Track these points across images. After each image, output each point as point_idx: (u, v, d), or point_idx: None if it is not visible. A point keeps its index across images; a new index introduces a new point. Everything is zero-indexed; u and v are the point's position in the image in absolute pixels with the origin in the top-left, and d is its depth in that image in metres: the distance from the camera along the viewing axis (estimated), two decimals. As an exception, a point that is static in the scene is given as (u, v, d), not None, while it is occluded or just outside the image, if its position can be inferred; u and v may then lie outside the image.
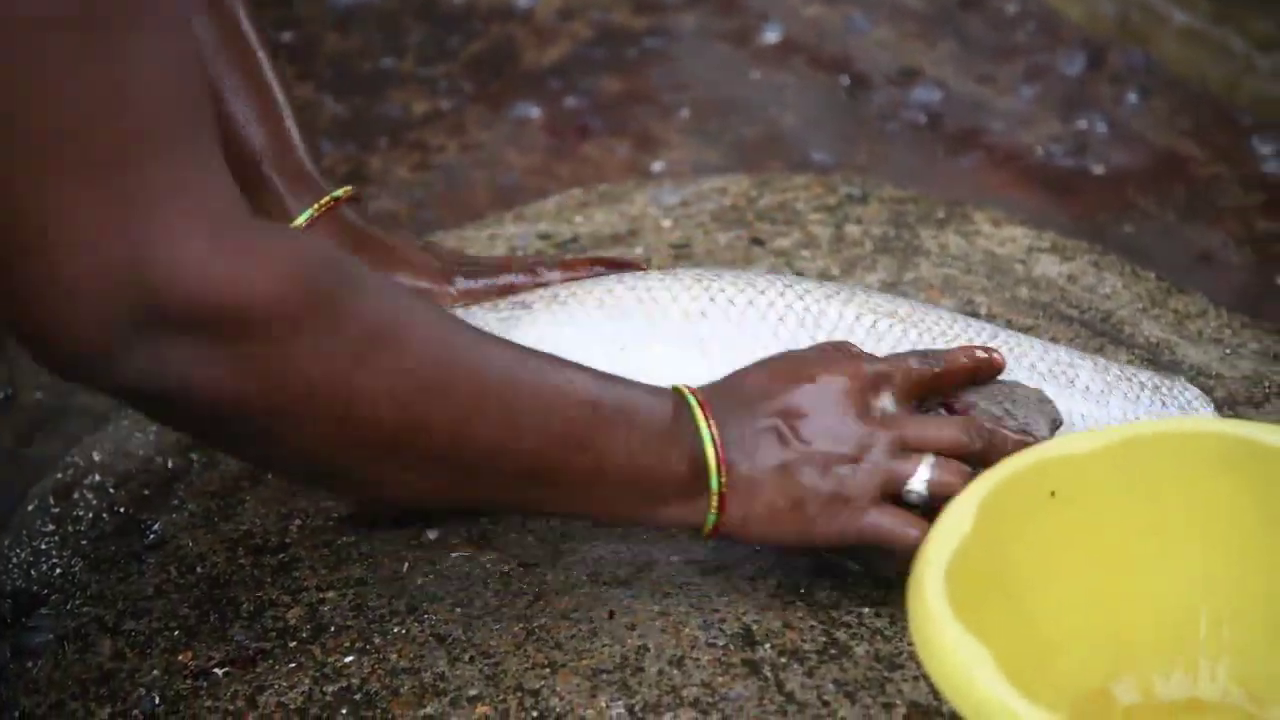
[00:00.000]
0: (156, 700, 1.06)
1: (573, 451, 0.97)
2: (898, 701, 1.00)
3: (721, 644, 1.04)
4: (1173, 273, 1.42)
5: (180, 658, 1.08)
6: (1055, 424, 1.09)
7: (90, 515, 1.20)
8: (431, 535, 1.14)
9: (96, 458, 1.25)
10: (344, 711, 1.02)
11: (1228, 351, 1.30)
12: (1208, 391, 1.24)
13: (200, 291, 0.83)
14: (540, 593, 1.08)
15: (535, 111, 1.93)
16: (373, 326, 0.90)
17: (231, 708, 1.04)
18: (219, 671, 1.06)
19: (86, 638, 1.10)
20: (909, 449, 1.02)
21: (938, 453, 1.03)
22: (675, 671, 1.02)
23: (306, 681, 1.04)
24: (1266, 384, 1.25)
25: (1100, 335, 1.31)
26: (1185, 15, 1.92)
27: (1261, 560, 0.95)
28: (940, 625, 0.86)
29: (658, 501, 1.01)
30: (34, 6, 0.79)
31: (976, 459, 1.03)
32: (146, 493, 1.22)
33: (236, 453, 1.04)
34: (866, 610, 1.06)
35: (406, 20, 2.13)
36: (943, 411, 1.08)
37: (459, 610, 1.08)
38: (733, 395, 1.03)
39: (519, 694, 1.01)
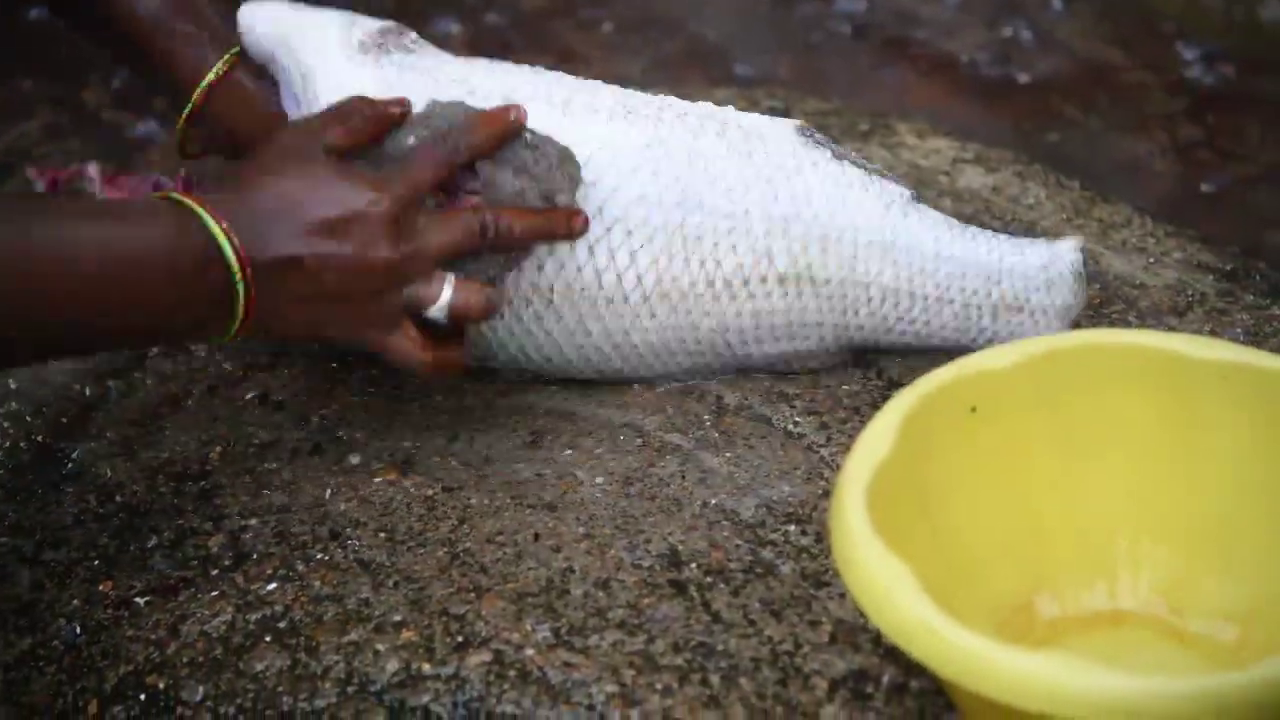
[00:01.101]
0: (77, 630, 1.05)
1: (95, 294, 0.99)
2: (824, 619, 1.00)
3: (647, 565, 1.04)
4: (1097, 182, 1.42)
5: (101, 587, 1.07)
6: (575, 182, 1.11)
7: (7, 444, 1.19)
8: (354, 460, 1.13)
9: (13, 385, 1.23)
10: (267, 639, 1.01)
11: (1151, 261, 1.29)
12: (1131, 303, 1.24)
13: None
14: (464, 516, 1.08)
15: (455, 27, 1.90)
16: None
17: (154, 637, 1.03)
18: (140, 601, 1.05)
19: (5, 569, 1.09)
20: (429, 262, 1.06)
21: (454, 256, 1.07)
22: (601, 594, 1.02)
23: (229, 610, 1.03)
24: (1190, 292, 1.25)
25: (1024, 247, 1.30)
26: (1111, -80, 1.91)
27: (1180, 472, 0.95)
28: (861, 543, 0.86)
29: (193, 304, 1.01)
30: None
31: (494, 247, 1.08)
32: (64, 421, 1.20)
33: None
34: (792, 528, 1.06)
35: (325, -65, 2.10)
36: (463, 196, 1.09)
37: (382, 535, 1.07)
38: (257, 207, 1.04)
39: (444, 619, 1.01)
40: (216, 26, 1.17)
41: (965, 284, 1.16)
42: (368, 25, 1.16)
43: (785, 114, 1.47)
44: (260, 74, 1.17)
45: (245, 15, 1.15)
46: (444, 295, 1.06)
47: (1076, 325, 1.19)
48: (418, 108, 1.10)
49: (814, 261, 1.14)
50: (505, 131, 1.09)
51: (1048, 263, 1.16)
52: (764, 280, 1.13)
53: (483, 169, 1.09)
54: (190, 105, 1.16)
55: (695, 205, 1.12)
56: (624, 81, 1.64)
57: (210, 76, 1.16)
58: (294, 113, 1.15)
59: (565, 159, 1.10)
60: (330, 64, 1.14)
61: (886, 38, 1.86)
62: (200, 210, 1.01)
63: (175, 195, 1.02)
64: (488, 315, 1.08)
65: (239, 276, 1.01)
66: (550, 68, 1.19)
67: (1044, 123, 1.70)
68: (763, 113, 1.47)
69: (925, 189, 1.37)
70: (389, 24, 1.16)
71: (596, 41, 1.90)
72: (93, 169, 1.15)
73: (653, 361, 1.15)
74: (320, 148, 1.06)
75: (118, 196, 1.15)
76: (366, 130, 1.08)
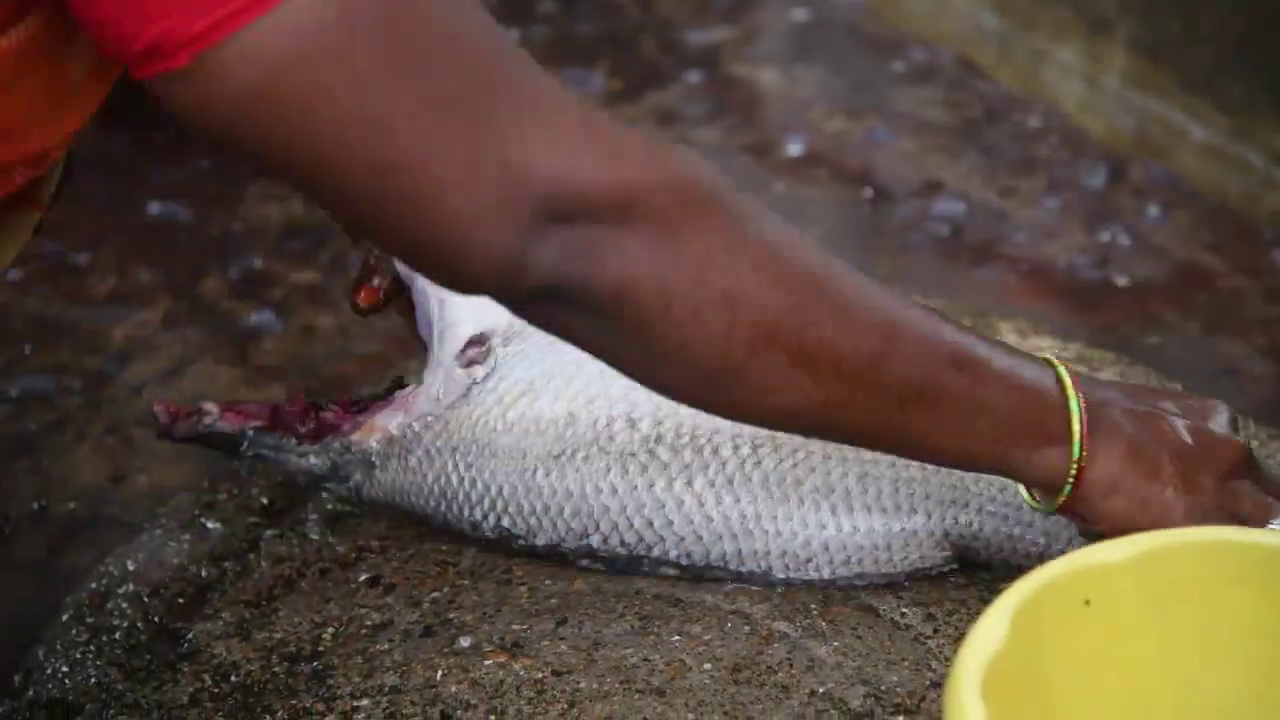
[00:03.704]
0: (191, 809, 1.06)
1: (951, 369, 0.99)
2: (933, 810, 1.00)
3: (755, 752, 1.04)
4: (1198, 384, 1.43)
5: (215, 766, 1.08)
6: None
7: (125, 625, 1.21)
8: (465, 643, 1.14)
9: (130, 567, 1.25)
10: (378, 820, 1.02)
11: (1255, 461, 1.30)
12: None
13: (583, 184, 0.89)
14: (574, 700, 1.09)
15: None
16: (753, 225, 0.94)
17: (266, 816, 1.04)
18: (253, 780, 1.06)
19: (121, 746, 1.11)
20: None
21: None
22: (709, 780, 1.02)
23: (341, 790, 1.04)
24: (1295, 494, 1.25)
25: (1128, 445, 1.31)
26: (1204, 131, 1.93)
27: (1296, 669, 0.95)
28: (976, 734, 0.86)
29: (1027, 436, 1.01)
30: None
31: None
32: (180, 601, 1.22)
33: (631, 358, 0.99)
34: (900, 719, 1.06)
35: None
36: None
37: (492, 718, 1.08)
38: (1103, 384, 1.06)
39: (553, 802, 1.02)
40: None
41: None
42: None
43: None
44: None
45: None
46: None
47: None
48: None
49: None
50: None
51: None
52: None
53: None
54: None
55: None
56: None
57: None
58: (427, 335, 1.20)
59: None
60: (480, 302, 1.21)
61: (984, 238, 1.88)
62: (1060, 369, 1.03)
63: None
64: None
65: (1078, 413, 1.01)
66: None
67: (1143, 326, 1.71)
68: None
69: (1028, 387, 1.38)
70: None
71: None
72: (210, 405, 1.23)
73: (753, 528, 1.16)
74: None
75: (237, 420, 1.21)
76: None
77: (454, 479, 1.20)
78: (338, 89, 0.85)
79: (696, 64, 2.24)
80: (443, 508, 1.21)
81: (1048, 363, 1.04)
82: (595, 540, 1.17)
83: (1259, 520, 1.05)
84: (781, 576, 1.16)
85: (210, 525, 1.29)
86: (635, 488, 1.16)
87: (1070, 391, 1.02)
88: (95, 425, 1.54)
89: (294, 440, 1.24)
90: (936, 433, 1.00)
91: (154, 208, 1.85)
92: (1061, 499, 1.03)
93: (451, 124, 0.87)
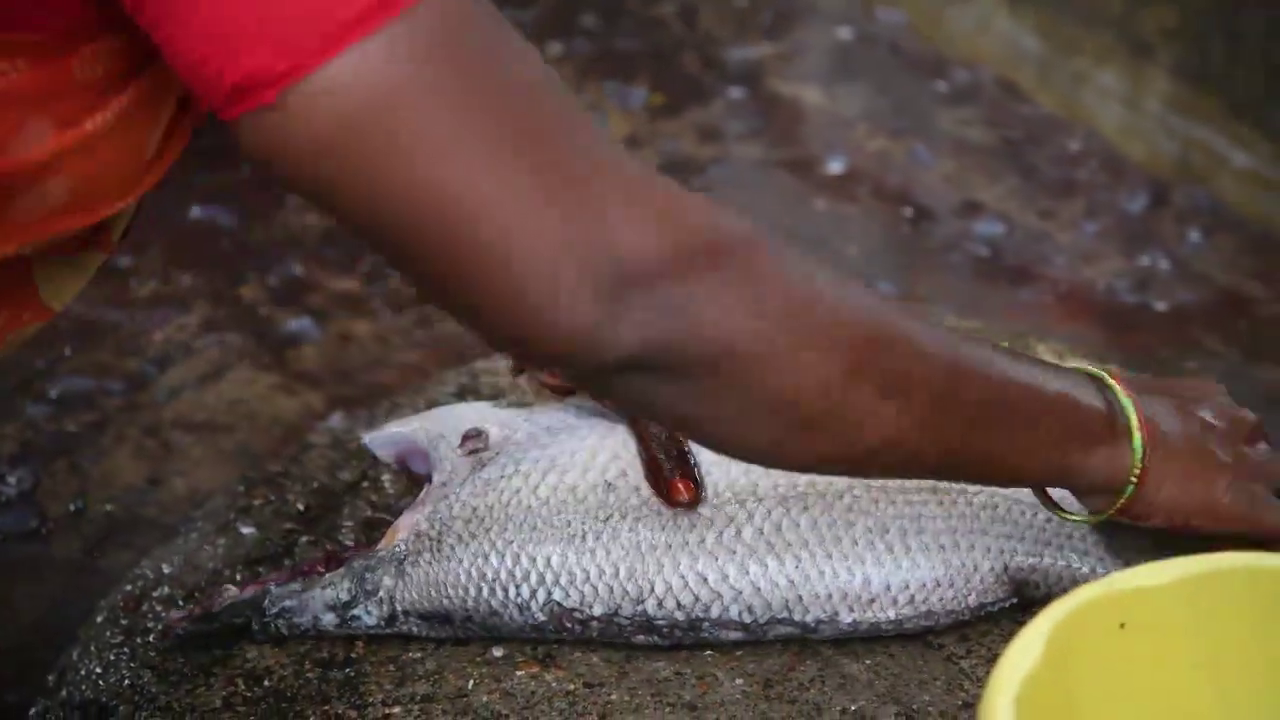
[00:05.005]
0: (221, 812, 1.06)
1: (1011, 384, 1.00)
2: (963, 831, 1.00)
3: (786, 769, 1.04)
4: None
5: (246, 770, 1.08)
6: None
7: (159, 627, 1.21)
8: (497, 653, 1.15)
9: (165, 570, 1.26)
10: (408, 827, 1.02)
11: (1294, 489, 1.29)
12: None
13: (663, 245, 0.88)
14: (605, 713, 1.09)
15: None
16: (815, 267, 0.94)
17: (296, 821, 1.04)
18: (284, 784, 1.07)
19: (153, 748, 1.11)
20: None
21: None
22: (739, 796, 1.02)
23: (371, 796, 1.04)
24: (1333, 522, 1.25)
25: (1166, 470, 1.31)
26: (1245, 157, 1.93)
27: (1333, 697, 0.94)
28: (1010, 754, 0.86)
29: (1081, 440, 1.03)
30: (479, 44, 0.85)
31: None
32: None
33: (722, 420, 0.96)
34: (932, 739, 1.06)
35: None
36: None
37: (524, 729, 1.08)
38: (1136, 380, 1.09)
39: (583, 814, 1.02)
40: None
41: None
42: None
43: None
44: None
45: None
46: None
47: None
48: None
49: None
50: None
51: None
52: (919, 489, 1.15)
53: None
54: None
55: None
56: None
57: None
58: (421, 464, 1.22)
59: None
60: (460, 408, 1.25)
61: (1023, 260, 1.88)
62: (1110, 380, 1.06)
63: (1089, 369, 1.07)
64: None
65: (1137, 429, 1.04)
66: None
67: (1182, 351, 1.71)
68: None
69: (1065, 410, 1.38)
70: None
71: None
72: (228, 586, 1.20)
73: (810, 572, 1.14)
74: None
75: (255, 586, 1.18)
76: None
77: (493, 559, 1.15)
78: (419, 130, 0.83)
79: (738, 80, 2.25)
80: (485, 593, 1.15)
81: (1080, 370, 1.06)
82: (650, 605, 1.13)
83: None
84: (849, 620, 1.13)
85: (245, 530, 1.29)
86: (686, 543, 1.14)
87: (1118, 391, 1.05)
88: (134, 427, 1.55)
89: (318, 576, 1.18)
90: (1008, 449, 1.02)
91: (196, 211, 1.87)
92: (1123, 500, 1.05)
93: (535, 186, 0.85)
